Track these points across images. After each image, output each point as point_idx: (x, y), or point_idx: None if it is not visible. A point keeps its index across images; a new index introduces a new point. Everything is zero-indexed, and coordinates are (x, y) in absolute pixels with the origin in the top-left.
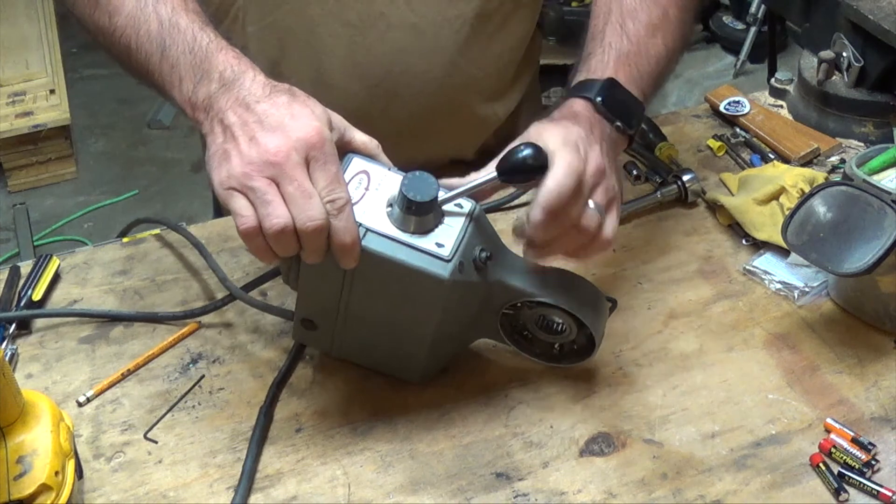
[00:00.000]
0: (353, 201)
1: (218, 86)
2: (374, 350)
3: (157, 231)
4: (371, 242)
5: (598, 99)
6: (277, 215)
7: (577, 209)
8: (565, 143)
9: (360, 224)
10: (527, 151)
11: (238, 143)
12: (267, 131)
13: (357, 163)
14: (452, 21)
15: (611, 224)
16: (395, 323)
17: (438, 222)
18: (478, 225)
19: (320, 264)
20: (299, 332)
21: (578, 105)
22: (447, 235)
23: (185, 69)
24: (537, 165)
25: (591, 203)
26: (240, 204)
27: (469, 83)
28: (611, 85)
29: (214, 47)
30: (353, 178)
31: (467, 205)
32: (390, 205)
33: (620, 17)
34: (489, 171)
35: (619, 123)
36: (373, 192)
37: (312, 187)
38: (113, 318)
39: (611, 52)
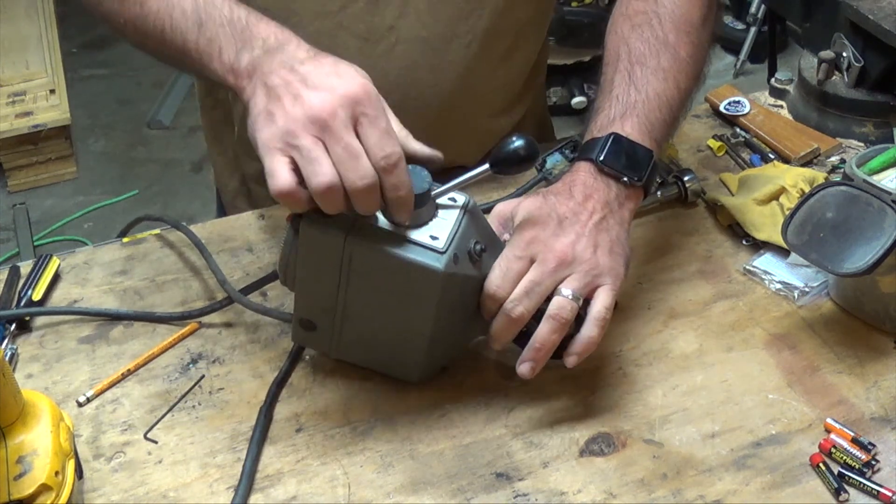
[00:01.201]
0: None
1: (261, 52)
2: (373, 350)
3: (157, 231)
4: (363, 236)
5: (601, 158)
6: (324, 173)
7: (517, 306)
8: (521, 229)
9: (355, 218)
10: (518, 143)
11: (282, 102)
12: (311, 89)
13: None
14: (462, 36)
15: (598, 303)
16: (393, 319)
17: (432, 215)
18: (472, 218)
19: (316, 263)
20: (298, 334)
21: (581, 169)
22: (441, 228)
23: (224, 40)
24: (527, 156)
25: (564, 291)
26: (276, 164)
27: (477, 98)
28: (614, 140)
29: (254, 19)
30: None
31: (461, 198)
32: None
33: (629, 64)
34: (482, 164)
35: (625, 178)
36: None
37: (360, 146)
38: (113, 318)
39: (617, 106)
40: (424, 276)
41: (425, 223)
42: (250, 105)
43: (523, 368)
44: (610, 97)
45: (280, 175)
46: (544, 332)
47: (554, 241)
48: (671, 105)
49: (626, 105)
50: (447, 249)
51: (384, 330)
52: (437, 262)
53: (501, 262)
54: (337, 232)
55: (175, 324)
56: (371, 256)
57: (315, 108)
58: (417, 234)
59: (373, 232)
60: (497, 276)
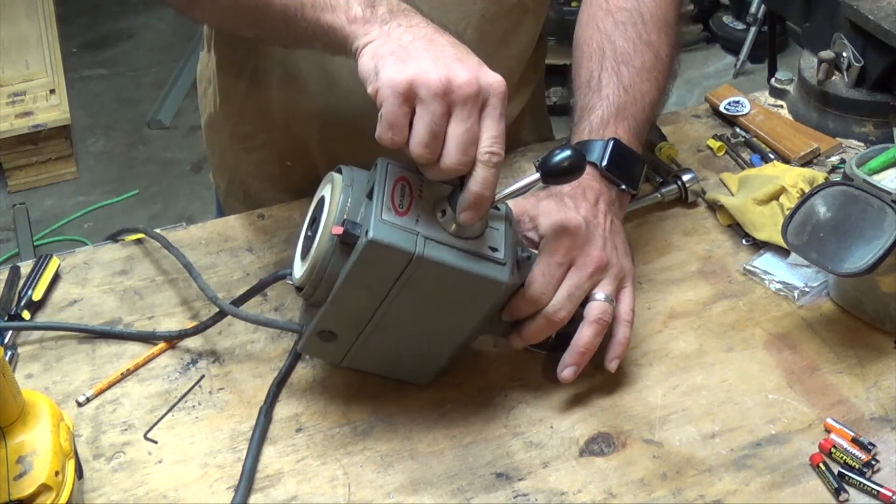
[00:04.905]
0: (402, 210)
1: (397, 9)
2: (390, 357)
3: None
4: (433, 251)
5: (604, 164)
6: (434, 150)
7: (560, 310)
8: (556, 235)
9: (418, 233)
10: (564, 154)
11: (419, 53)
12: (455, 60)
13: (393, 168)
14: (457, 24)
15: (625, 305)
16: (430, 327)
17: (485, 225)
18: (512, 226)
19: (370, 277)
20: (313, 345)
21: (586, 172)
22: (495, 239)
23: None
24: (579, 167)
25: (599, 295)
26: (400, 116)
27: None
28: (615, 147)
29: None
30: (395, 184)
31: (502, 206)
32: (442, 211)
33: (615, 63)
34: (533, 173)
35: (623, 186)
36: (418, 198)
37: (478, 133)
38: (103, 335)
39: (609, 107)
40: (487, 288)
41: (481, 234)
42: (375, 44)
43: (567, 373)
44: (600, 96)
45: (400, 129)
46: (588, 337)
47: (589, 246)
48: (653, 106)
49: (618, 107)
50: (507, 260)
51: (414, 337)
52: (502, 274)
53: (544, 269)
54: (405, 249)
55: (174, 325)
56: (437, 271)
57: (462, 79)
58: (480, 247)
59: (438, 247)
60: (541, 283)
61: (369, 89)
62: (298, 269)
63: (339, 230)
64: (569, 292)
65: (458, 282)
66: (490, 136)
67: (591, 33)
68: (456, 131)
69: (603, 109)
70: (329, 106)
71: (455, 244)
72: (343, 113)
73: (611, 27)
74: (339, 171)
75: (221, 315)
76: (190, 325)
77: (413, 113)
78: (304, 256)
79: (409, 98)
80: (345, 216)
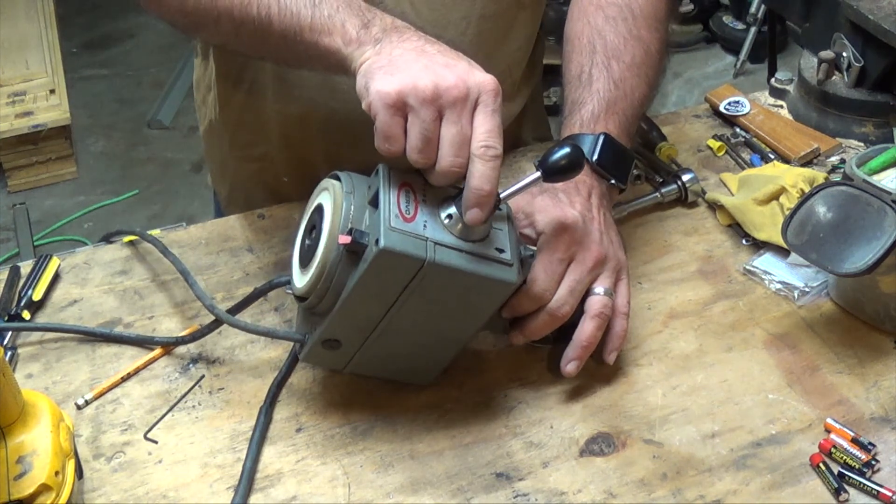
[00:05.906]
0: (408, 217)
1: (389, 28)
2: (393, 361)
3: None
4: (443, 256)
5: (595, 158)
6: (429, 155)
7: (563, 305)
8: (555, 232)
9: (427, 239)
10: (563, 151)
11: (409, 65)
12: (443, 66)
13: (395, 174)
14: (457, 23)
15: (622, 297)
16: (436, 331)
17: (490, 226)
18: (511, 224)
19: (379, 285)
20: (316, 354)
21: None
22: (500, 239)
23: (346, 15)
24: (578, 164)
25: (598, 289)
26: (394, 127)
27: None
28: (605, 141)
29: (367, 4)
30: (399, 190)
31: (503, 206)
32: (448, 215)
33: (605, 58)
34: (533, 172)
35: (613, 181)
36: (422, 203)
37: (469, 133)
38: (102, 338)
39: (601, 102)
40: (497, 289)
41: (487, 235)
42: (368, 62)
43: (571, 367)
44: (591, 91)
45: (396, 139)
46: (591, 331)
47: (588, 241)
48: (643, 101)
49: (608, 101)
50: (514, 261)
51: (419, 340)
52: (511, 275)
53: (546, 266)
54: (416, 255)
55: (173, 325)
56: (447, 276)
57: (449, 83)
58: (488, 249)
59: (448, 251)
60: (543, 280)
61: (363, 105)
62: (299, 279)
63: (346, 239)
64: (571, 288)
65: (468, 285)
66: (483, 131)
67: (582, 28)
68: (448, 133)
69: (594, 104)
70: (331, 110)
71: (464, 248)
72: (346, 116)
73: (601, 22)
74: (336, 178)
75: (218, 323)
76: (190, 325)
77: (407, 121)
78: (304, 266)
79: (400, 108)
80: (350, 225)
